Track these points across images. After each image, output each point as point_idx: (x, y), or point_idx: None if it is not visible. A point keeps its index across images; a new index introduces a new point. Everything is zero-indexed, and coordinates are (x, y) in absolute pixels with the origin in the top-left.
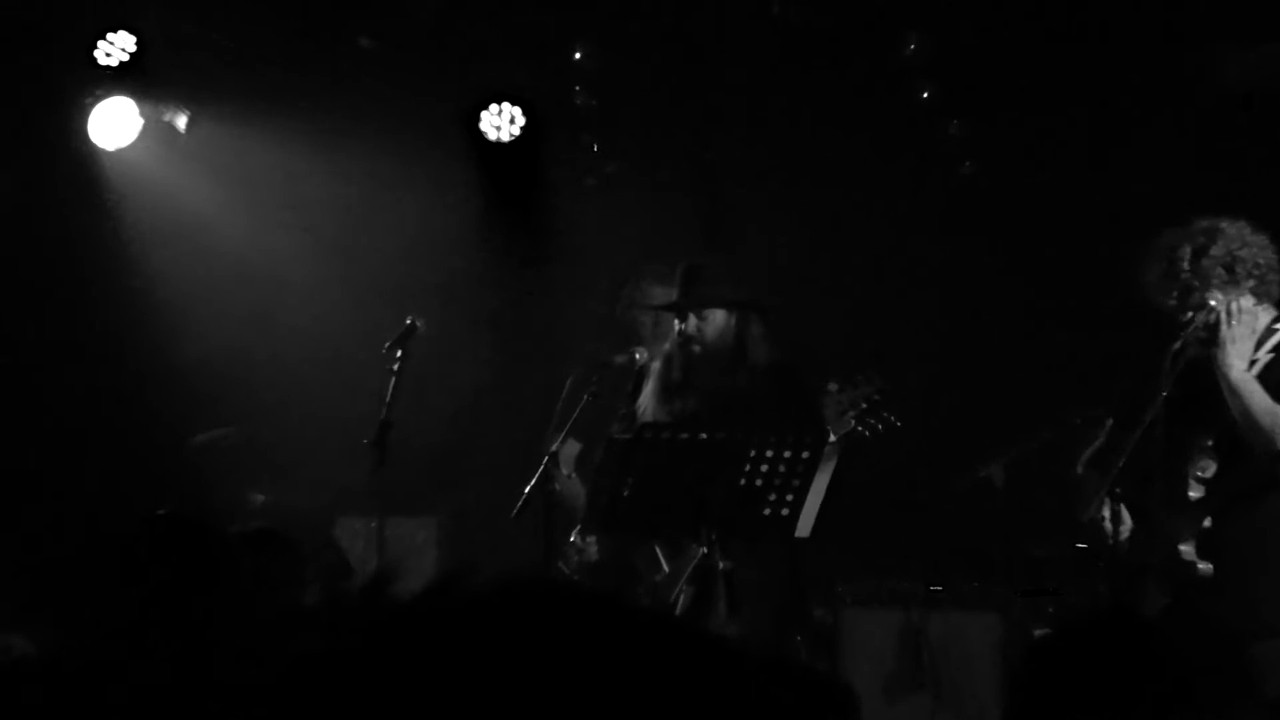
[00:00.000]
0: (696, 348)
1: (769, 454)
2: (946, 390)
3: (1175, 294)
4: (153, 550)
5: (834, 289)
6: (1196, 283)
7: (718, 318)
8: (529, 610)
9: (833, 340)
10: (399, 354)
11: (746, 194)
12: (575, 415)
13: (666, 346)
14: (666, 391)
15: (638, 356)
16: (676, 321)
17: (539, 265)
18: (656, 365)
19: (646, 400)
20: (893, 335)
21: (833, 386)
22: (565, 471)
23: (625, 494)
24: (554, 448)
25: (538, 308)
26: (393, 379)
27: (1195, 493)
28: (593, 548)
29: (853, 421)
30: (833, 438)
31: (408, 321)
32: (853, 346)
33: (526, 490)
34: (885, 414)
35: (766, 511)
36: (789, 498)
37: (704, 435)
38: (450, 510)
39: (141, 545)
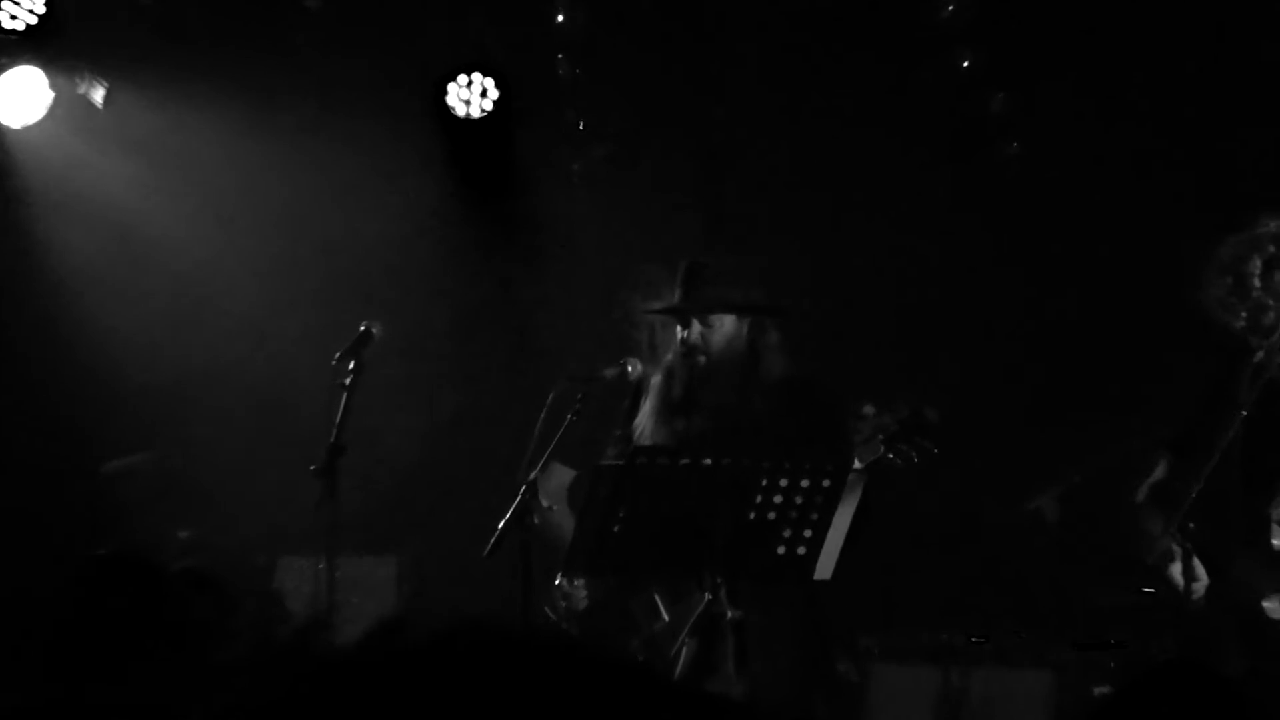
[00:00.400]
0: (701, 359)
1: (784, 483)
2: (989, 411)
3: (1245, 314)
4: (93, 593)
5: (860, 294)
6: (1270, 300)
7: (726, 325)
8: (475, 663)
9: (859, 352)
10: (351, 365)
11: (758, 182)
12: (557, 438)
13: (668, 358)
14: (668, 410)
15: (630, 370)
16: (679, 328)
17: (515, 264)
18: (656, 380)
19: (645, 420)
20: (927, 347)
21: (869, 409)
22: (546, 503)
23: (616, 530)
24: (533, 475)
25: (514, 313)
26: (344, 395)
27: None
28: (581, 592)
29: (881, 447)
30: (858, 465)
31: (362, 327)
32: (881, 360)
33: (501, 525)
34: (919, 439)
35: (781, 550)
36: (807, 534)
37: (708, 461)
38: (412, 548)
39: (81, 588)
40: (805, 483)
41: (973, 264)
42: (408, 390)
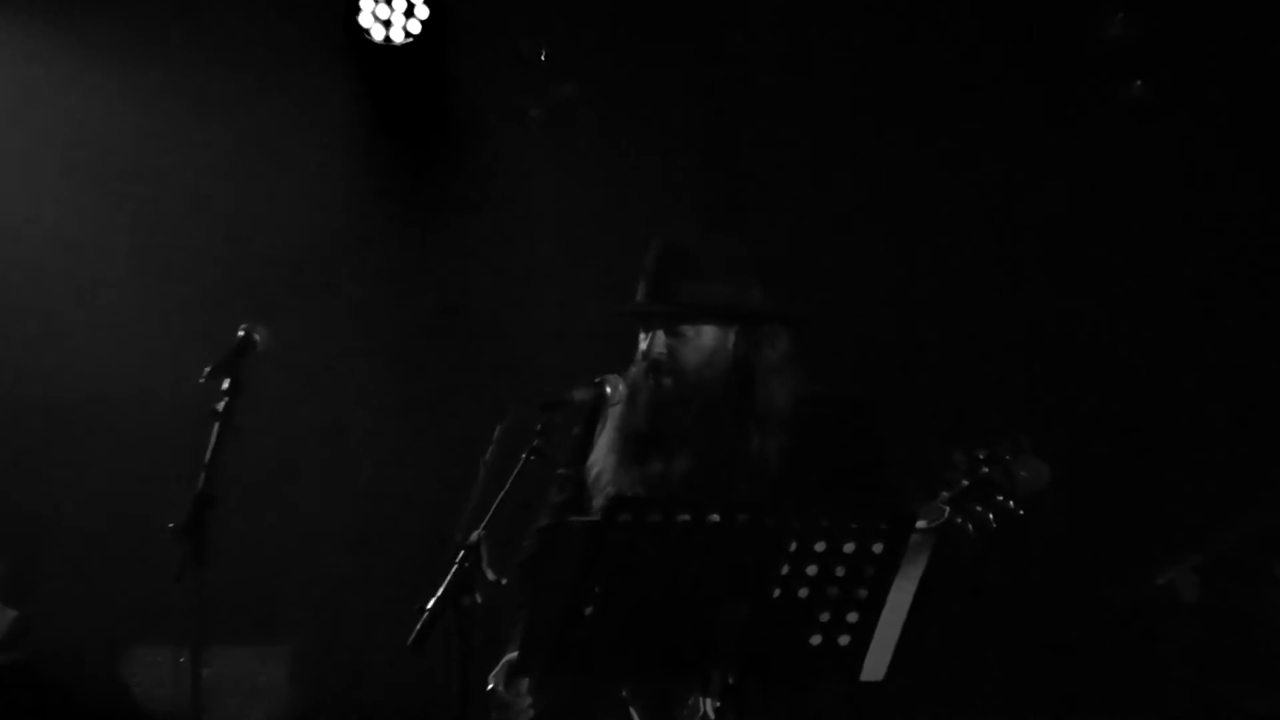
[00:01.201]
0: (667, 380)
1: (821, 547)
2: (1098, 459)
3: None
4: None
5: (909, 297)
6: None
7: (704, 336)
8: None
9: (910, 376)
10: (226, 384)
11: (780, 144)
12: (509, 484)
13: (632, 371)
14: (631, 445)
15: (609, 391)
16: (641, 337)
17: (455, 241)
18: (619, 403)
19: (601, 458)
20: (1009, 372)
21: (959, 457)
22: (493, 575)
23: (587, 612)
24: (475, 536)
25: (451, 310)
26: (215, 425)
27: None
28: (525, 701)
29: (946, 509)
30: (922, 524)
31: (240, 332)
32: (942, 386)
33: (431, 605)
34: (1000, 496)
35: (816, 640)
36: (852, 619)
37: (715, 517)
38: (309, 635)
39: None
40: (849, 547)
41: (1065, 272)
42: (307, 415)
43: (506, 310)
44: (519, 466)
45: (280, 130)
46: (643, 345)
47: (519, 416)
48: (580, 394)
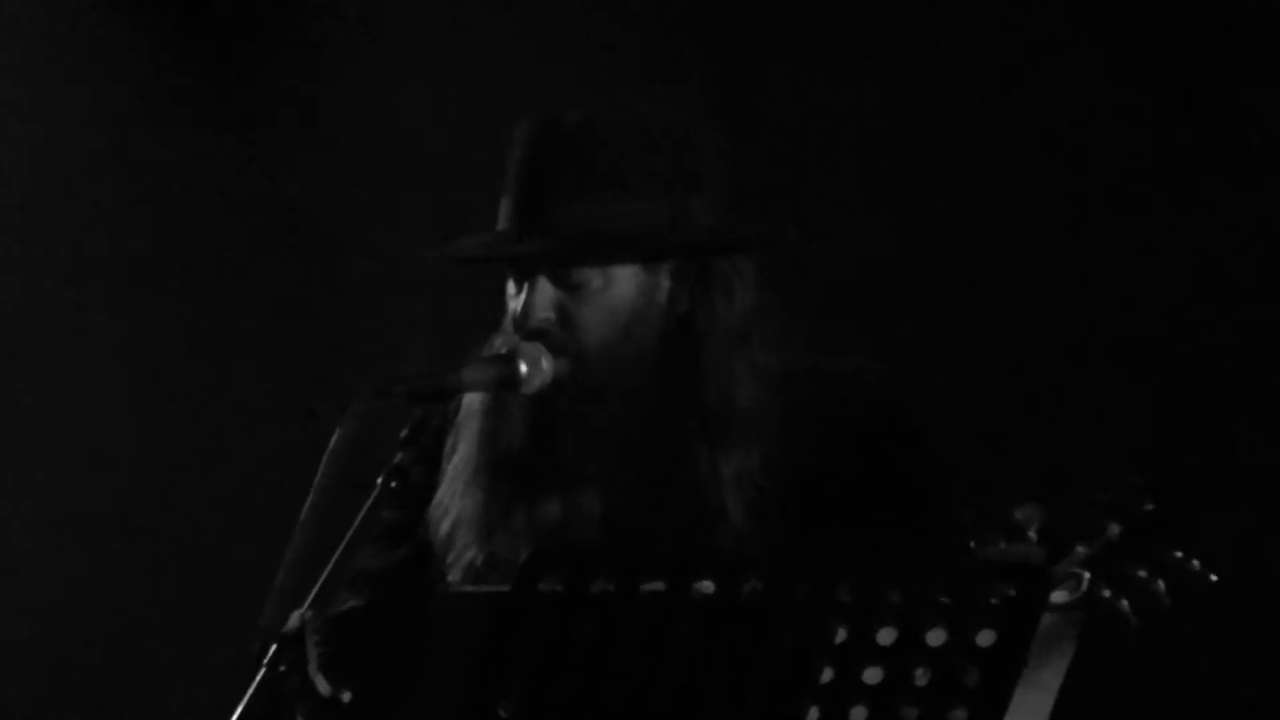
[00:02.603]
0: (558, 364)
1: (885, 639)
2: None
3: None
4: None
5: (965, 230)
6: None
7: (619, 287)
8: None
9: (965, 342)
10: None
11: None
12: (354, 531)
13: (497, 345)
14: (502, 477)
15: (523, 368)
16: (510, 293)
17: (276, 183)
18: (472, 403)
19: (451, 495)
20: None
21: (1025, 514)
22: (325, 686)
23: None
24: (294, 620)
25: (285, 272)
26: None
27: None
28: None
29: (1085, 575)
30: (1061, 597)
31: None
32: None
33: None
34: (1177, 552)
35: None
36: None
37: (706, 587)
38: None
39: None
40: (938, 636)
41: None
42: (59, 430)
43: (352, 255)
44: (371, 499)
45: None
46: (512, 306)
47: (368, 414)
48: (474, 374)
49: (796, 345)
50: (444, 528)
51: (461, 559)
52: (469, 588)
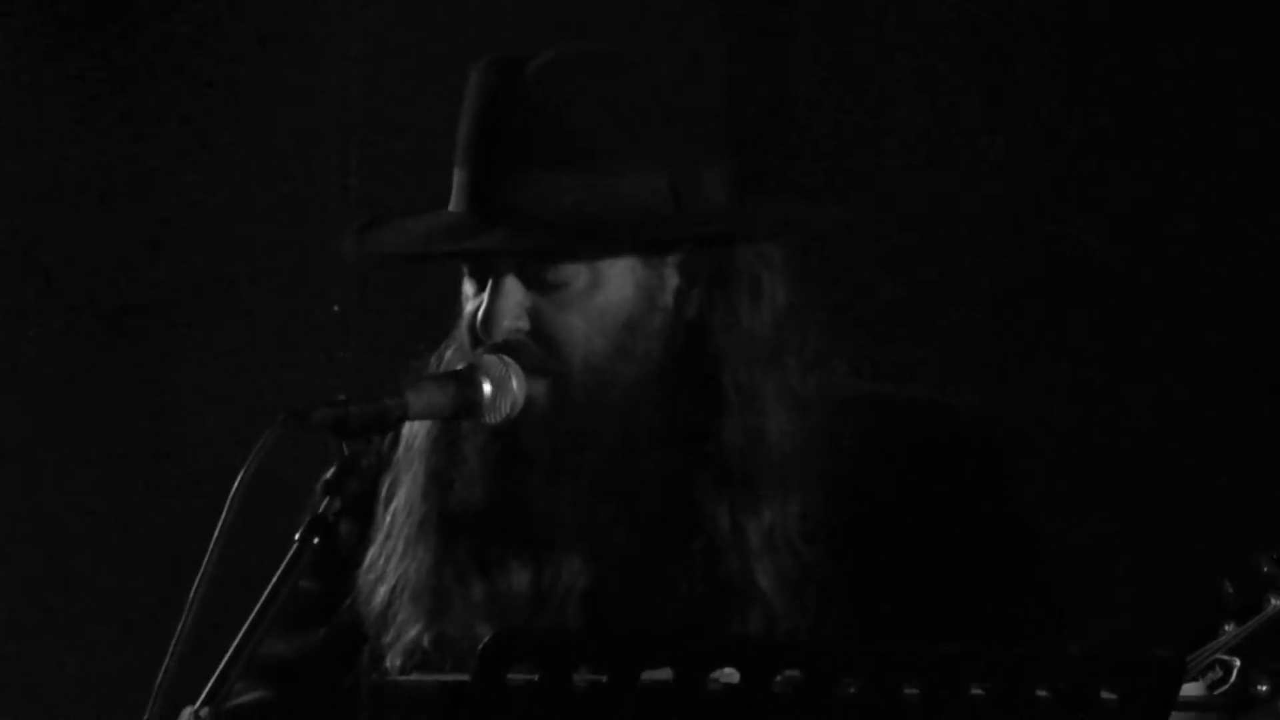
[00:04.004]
0: (513, 387)
1: None
2: None
3: None
4: None
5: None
6: None
7: (609, 289)
8: None
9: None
10: None
11: None
12: (269, 598)
13: (450, 357)
14: (454, 536)
15: (486, 390)
16: (467, 291)
17: (166, 176)
18: (418, 438)
19: (388, 558)
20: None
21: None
22: None
23: None
24: (186, 718)
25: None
26: None
27: None
28: None
29: (1235, 662)
30: (1197, 690)
31: None
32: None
33: None
34: None
35: None
36: None
37: (727, 676)
38: None
39: None
40: None
41: None
42: None
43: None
44: (289, 560)
45: None
46: (470, 308)
47: (280, 449)
48: (422, 398)
49: (842, 364)
50: (379, 598)
51: (402, 639)
52: (412, 676)
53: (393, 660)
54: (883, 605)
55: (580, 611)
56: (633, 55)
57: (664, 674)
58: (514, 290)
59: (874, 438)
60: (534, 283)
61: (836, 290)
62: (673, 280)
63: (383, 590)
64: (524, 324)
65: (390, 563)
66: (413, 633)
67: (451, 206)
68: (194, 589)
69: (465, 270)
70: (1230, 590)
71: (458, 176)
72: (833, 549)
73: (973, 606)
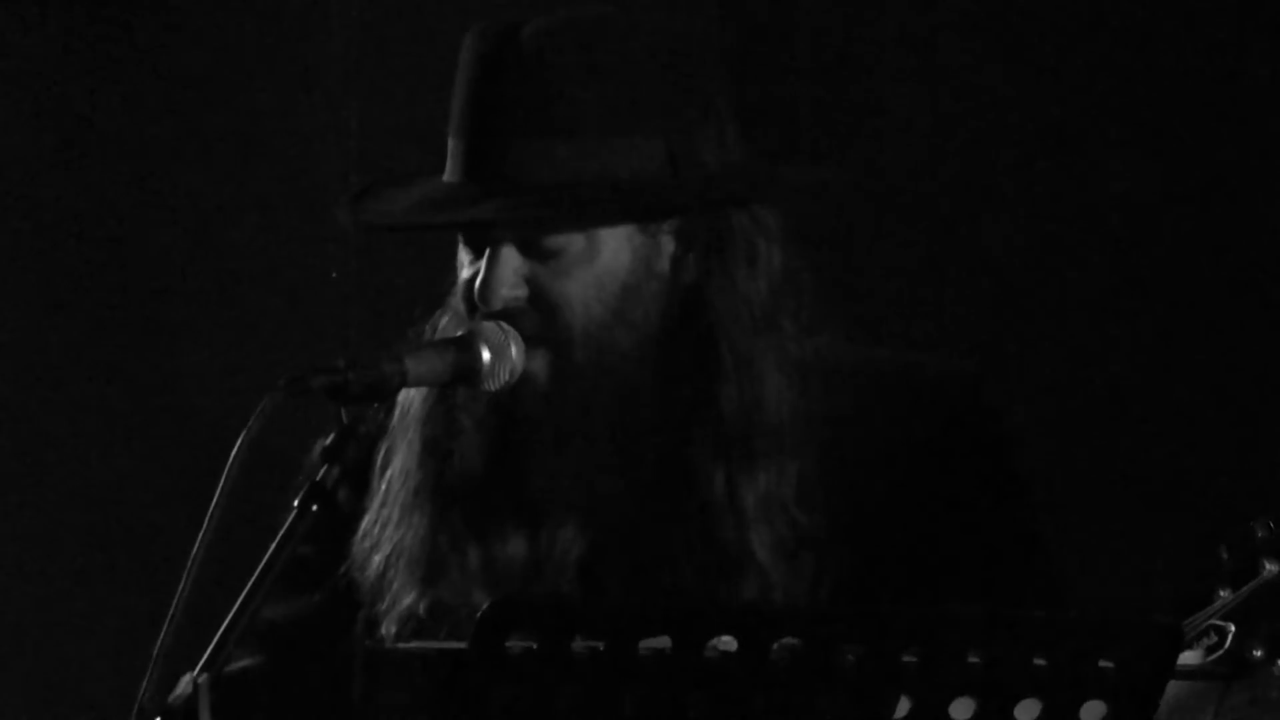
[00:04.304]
0: (512, 354)
1: (957, 714)
2: None
3: None
4: None
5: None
6: None
7: (605, 254)
8: None
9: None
10: None
11: None
12: (263, 572)
13: (444, 323)
14: (452, 506)
15: (485, 356)
16: (462, 259)
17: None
18: (413, 405)
19: (383, 525)
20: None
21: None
22: None
23: None
24: (185, 684)
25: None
26: None
27: None
28: None
29: (1230, 628)
30: (1194, 658)
31: None
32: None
33: None
34: None
35: None
36: None
37: (726, 643)
38: None
39: None
40: (1033, 710)
41: None
42: None
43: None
44: (287, 526)
45: None
46: (466, 276)
47: (279, 415)
48: (421, 364)
49: (839, 330)
50: (374, 565)
51: (397, 606)
52: (408, 643)
53: (388, 627)
54: (879, 574)
55: (576, 579)
56: (626, 18)
57: (662, 642)
58: (511, 258)
59: (870, 404)
60: (531, 251)
61: (832, 256)
62: (669, 246)
63: (378, 558)
64: (522, 291)
65: (385, 530)
66: (408, 600)
67: (447, 175)
68: (192, 555)
69: (461, 238)
70: (1225, 556)
71: (452, 145)
72: (829, 516)
73: (971, 577)
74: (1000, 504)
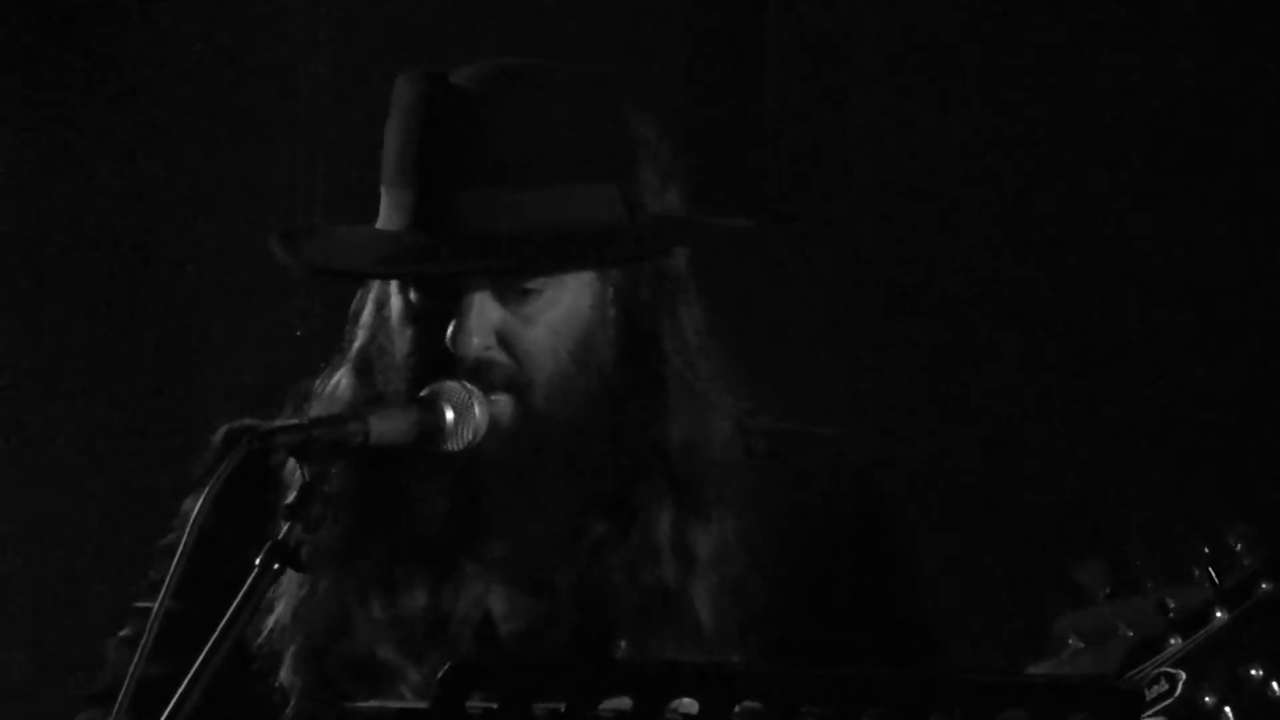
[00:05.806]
0: (476, 414)
1: None
2: None
3: None
4: None
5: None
6: None
7: (564, 299)
8: None
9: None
10: None
11: None
12: (218, 639)
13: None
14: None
15: (448, 416)
16: (394, 306)
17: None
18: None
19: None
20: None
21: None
22: None
23: None
24: None
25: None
26: None
27: None
28: None
29: (1180, 675)
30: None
31: None
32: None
33: None
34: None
35: None
36: None
37: (684, 709)
38: None
39: None
40: None
41: None
42: None
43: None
44: (244, 591)
45: None
46: (410, 330)
47: (238, 463)
48: (385, 421)
49: (745, 400)
50: (276, 611)
51: (295, 657)
52: (371, 703)
53: (287, 676)
54: (802, 634)
55: (476, 635)
56: (553, 66)
57: (623, 704)
58: (484, 307)
59: (792, 463)
60: (504, 298)
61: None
62: (619, 288)
63: (279, 607)
64: (492, 340)
65: (291, 583)
66: (309, 649)
67: (391, 225)
68: (153, 613)
69: (399, 286)
70: (1172, 605)
71: (396, 194)
72: (761, 568)
73: (858, 638)
74: (881, 575)
